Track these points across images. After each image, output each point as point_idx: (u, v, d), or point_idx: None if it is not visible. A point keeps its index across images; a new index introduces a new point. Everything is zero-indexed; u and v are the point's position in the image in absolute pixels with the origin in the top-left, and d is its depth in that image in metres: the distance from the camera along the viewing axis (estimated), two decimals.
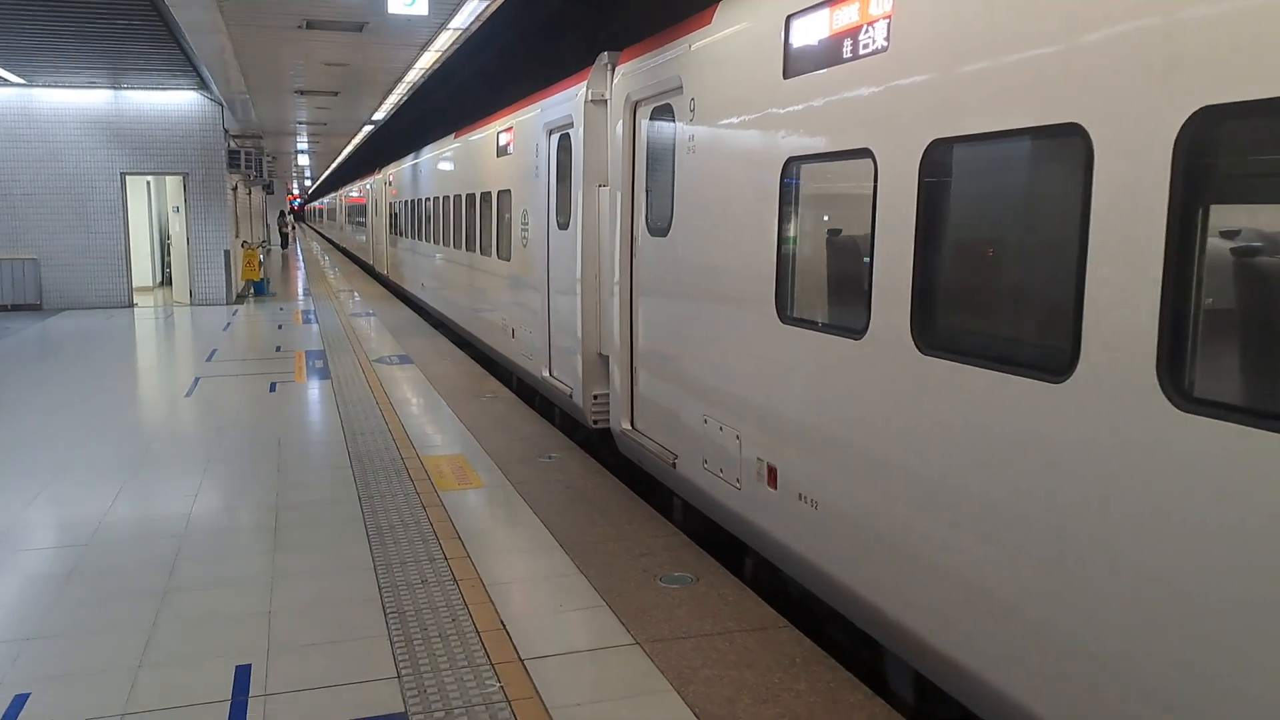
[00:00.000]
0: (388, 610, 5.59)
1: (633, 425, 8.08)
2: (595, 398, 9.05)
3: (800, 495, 5.33)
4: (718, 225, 6.23)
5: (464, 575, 6.10)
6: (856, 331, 4.76)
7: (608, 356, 8.59)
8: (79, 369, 14.07)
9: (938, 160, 4.19)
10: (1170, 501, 3.09)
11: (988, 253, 4.22)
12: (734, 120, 6.02)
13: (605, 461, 9.35)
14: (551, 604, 5.70)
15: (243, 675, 4.87)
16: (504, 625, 5.39)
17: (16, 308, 21.95)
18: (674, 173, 6.91)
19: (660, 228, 7.30)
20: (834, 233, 5.33)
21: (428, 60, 15.71)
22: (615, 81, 8.16)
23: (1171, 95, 3.07)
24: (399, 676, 4.82)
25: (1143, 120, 3.17)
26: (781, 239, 5.48)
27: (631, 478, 8.69)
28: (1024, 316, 4.04)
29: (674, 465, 7.02)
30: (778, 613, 5.61)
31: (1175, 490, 3.07)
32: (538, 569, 6.23)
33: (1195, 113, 2.99)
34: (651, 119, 7.50)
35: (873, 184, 4.59)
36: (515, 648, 5.12)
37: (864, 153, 4.65)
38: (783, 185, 5.43)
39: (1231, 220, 3.13)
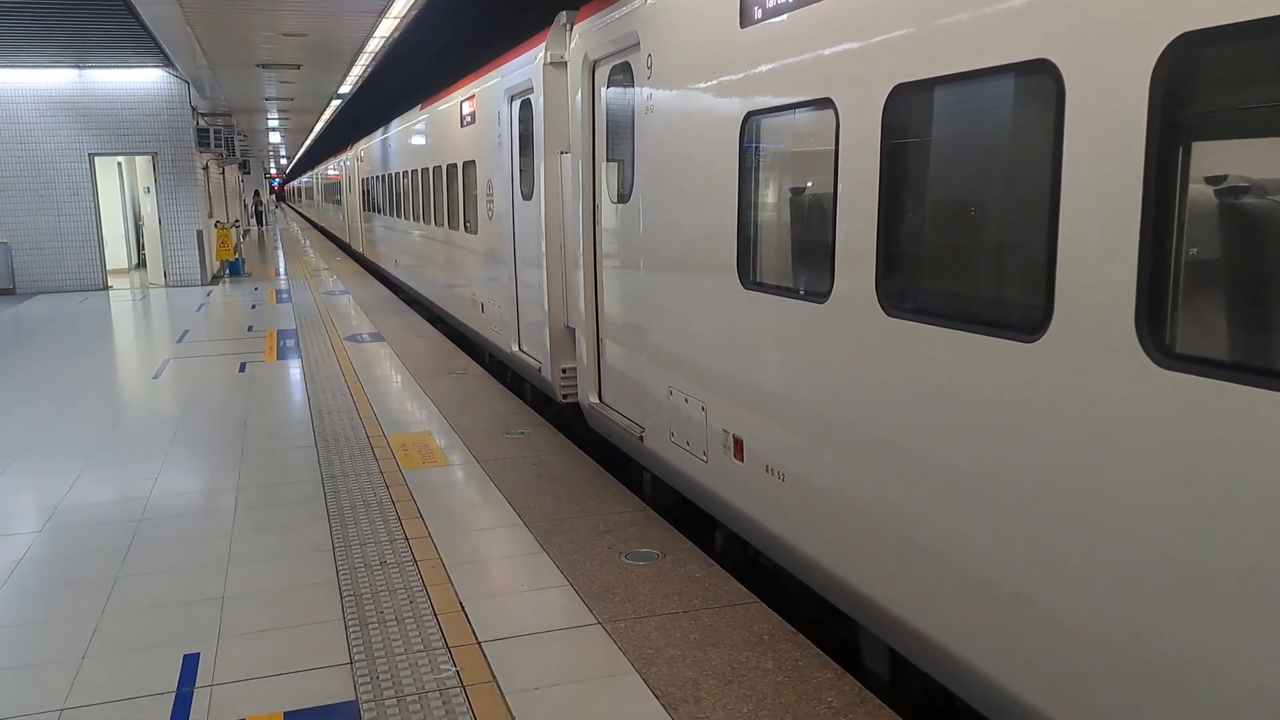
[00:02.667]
0: (344, 593, 5.42)
1: (600, 399, 7.90)
2: (564, 371, 8.84)
3: (767, 467, 5.15)
4: (678, 189, 6.02)
5: (424, 556, 5.93)
6: (820, 295, 4.57)
7: (575, 329, 8.41)
8: (48, 353, 13.81)
9: (901, 107, 3.97)
10: (1152, 464, 2.89)
11: (955, 206, 3.99)
12: (691, 76, 5.77)
13: (576, 437, 9.19)
14: (513, 584, 5.53)
15: (190, 664, 4.70)
16: (463, 607, 5.22)
17: None
18: (634, 135, 6.67)
19: (622, 194, 7.09)
20: (796, 191, 5.11)
21: (387, 28, 15.37)
22: (573, 41, 7.89)
23: (1147, 21, 2.79)
24: (351, 662, 4.65)
25: (1116, 51, 2.91)
26: (742, 201, 5.24)
27: (602, 453, 8.53)
28: (993, 273, 3.83)
29: (641, 439, 6.85)
30: (747, 589, 5.46)
31: (1157, 452, 2.86)
32: (500, 548, 6.06)
33: (1174, 40, 2.71)
34: (610, 79, 7.26)
35: (834, 136, 4.34)
36: (473, 630, 4.96)
37: (825, 103, 4.42)
38: (742, 143, 5.20)
39: (1216, 159, 2.85)
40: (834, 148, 4.36)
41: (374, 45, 17.29)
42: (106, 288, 22.41)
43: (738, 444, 5.45)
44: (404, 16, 14.55)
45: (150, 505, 7.03)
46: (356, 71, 21.14)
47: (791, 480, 4.94)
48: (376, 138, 22.63)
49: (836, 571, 4.62)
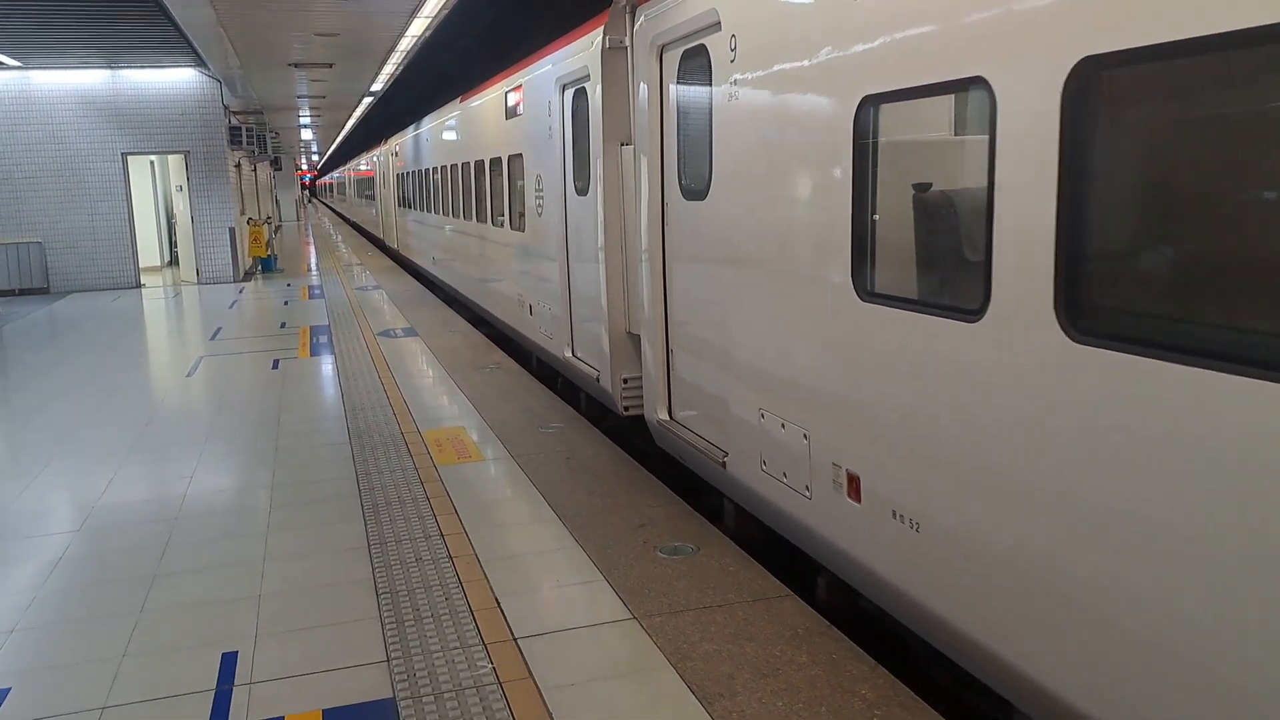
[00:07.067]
0: (380, 591, 5.44)
1: (670, 415, 7.19)
2: (625, 381, 8.15)
3: (895, 513, 4.37)
4: (769, 185, 5.33)
5: (459, 552, 5.94)
6: (972, 312, 3.79)
7: (639, 336, 7.68)
8: (82, 352, 13.97)
9: (1090, 86, 3.20)
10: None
11: (1176, 202, 3.17)
12: (789, 56, 5.01)
13: (608, 431, 9.17)
14: (548, 579, 5.54)
15: (228, 663, 4.73)
16: (498, 603, 5.23)
17: (24, 291, 21.89)
18: (711, 126, 6.00)
19: (696, 190, 6.36)
20: (931, 189, 4.44)
21: (419, 27, 15.42)
22: (637, 24, 7.21)
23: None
24: (388, 660, 4.67)
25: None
26: (857, 200, 4.48)
27: (634, 447, 8.51)
28: (1236, 295, 2.96)
29: (724, 464, 6.11)
30: (781, 582, 5.43)
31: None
32: (535, 543, 6.07)
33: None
34: (682, 65, 6.55)
35: (989, 122, 3.60)
36: (509, 626, 4.96)
37: (976, 82, 3.68)
38: (857, 131, 4.43)
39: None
40: (989, 136, 3.63)
41: (405, 44, 17.35)
42: (139, 285, 22.65)
43: (852, 481, 4.71)
44: (436, 16, 14.56)
45: (186, 503, 7.09)
46: (389, 69, 21.24)
47: (930, 531, 4.15)
48: (411, 132, 22.55)
49: (992, 646, 3.86)
